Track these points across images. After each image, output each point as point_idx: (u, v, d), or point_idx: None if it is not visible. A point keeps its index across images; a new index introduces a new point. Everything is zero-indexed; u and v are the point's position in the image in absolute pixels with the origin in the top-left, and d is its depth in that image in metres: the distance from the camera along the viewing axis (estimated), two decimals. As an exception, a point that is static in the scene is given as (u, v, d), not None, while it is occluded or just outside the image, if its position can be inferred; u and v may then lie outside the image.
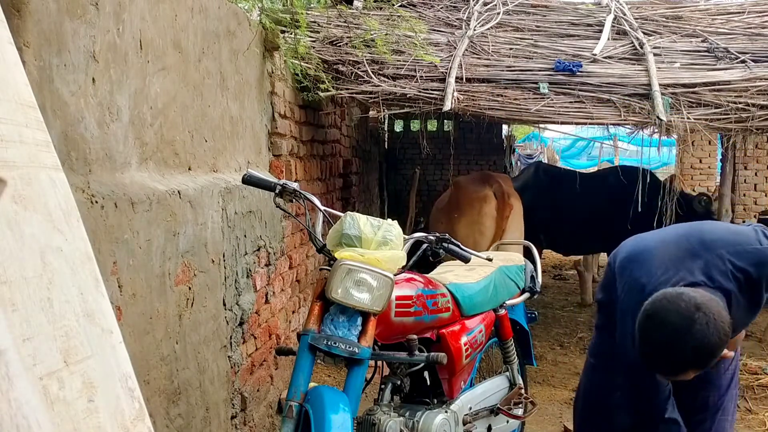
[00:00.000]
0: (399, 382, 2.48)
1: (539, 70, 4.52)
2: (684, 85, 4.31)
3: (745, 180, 8.86)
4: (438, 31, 5.04)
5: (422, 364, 2.46)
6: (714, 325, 1.89)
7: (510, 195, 5.17)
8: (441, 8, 5.53)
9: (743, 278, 2.15)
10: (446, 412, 2.55)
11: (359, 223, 2.23)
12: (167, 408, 2.29)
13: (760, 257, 2.17)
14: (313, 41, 4.38)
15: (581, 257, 7.11)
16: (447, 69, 4.35)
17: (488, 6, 5.51)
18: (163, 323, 2.26)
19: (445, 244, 2.51)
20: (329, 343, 2.13)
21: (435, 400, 2.62)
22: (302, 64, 4.09)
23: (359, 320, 2.19)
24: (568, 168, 9.02)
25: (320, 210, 2.39)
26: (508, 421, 2.97)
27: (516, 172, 11.26)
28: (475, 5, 5.49)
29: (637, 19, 5.27)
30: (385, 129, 9.87)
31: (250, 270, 3.23)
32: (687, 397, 2.35)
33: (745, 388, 4.50)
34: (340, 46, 4.44)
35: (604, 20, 5.18)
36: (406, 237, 2.44)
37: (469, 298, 2.69)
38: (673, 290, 2.02)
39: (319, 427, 1.94)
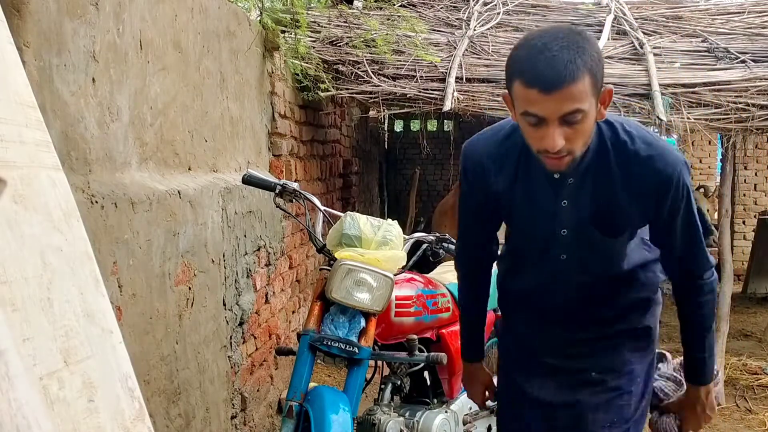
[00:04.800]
0: (399, 382, 2.48)
1: (539, 70, 4.50)
2: (684, 85, 4.31)
3: (745, 180, 8.86)
4: (438, 31, 5.04)
5: (422, 364, 2.46)
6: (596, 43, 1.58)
7: None
8: (441, 8, 5.53)
9: None
10: (446, 412, 2.55)
11: (359, 223, 2.23)
12: (167, 408, 2.29)
13: None
14: (314, 41, 4.38)
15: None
16: (447, 69, 4.35)
17: (488, 6, 5.51)
18: (163, 323, 2.26)
19: (445, 244, 2.51)
20: (329, 343, 2.14)
21: (435, 400, 2.62)
22: (302, 64, 4.09)
23: (359, 320, 2.19)
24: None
25: (320, 210, 2.39)
26: (508, 421, 2.96)
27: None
28: (475, 5, 5.49)
29: (637, 19, 5.27)
30: (385, 129, 9.87)
31: (250, 270, 3.23)
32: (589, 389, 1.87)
33: (745, 388, 4.50)
34: (340, 46, 4.44)
35: (604, 20, 5.18)
36: (406, 237, 2.44)
37: (469, 298, 2.68)
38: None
39: (319, 427, 1.95)
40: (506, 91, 1.62)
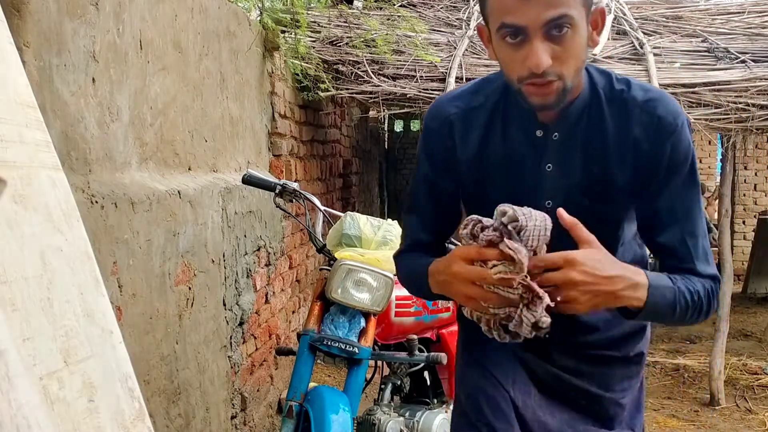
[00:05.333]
0: (399, 382, 2.48)
1: (539, 70, 4.51)
2: (684, 85, 4.31)
3: (745, 180, 8.86)
4: (438, 31, 5.04)
5: (422, 364, 2.46)
6: None
7: None
8: (441, 8, 5.53)
9: None
10: (446, 412, 2.55)
11: (359, 223, 2.23)
12: (167, 408, 2.29)
13: None
14: (314, 41, 4.39)
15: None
16: (447, 69, 4.35)
17: (488, 6, 5.51)
18: (163, 323, 2.26)
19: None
20: (329, 343, 2.14)
21: (435, 400, 2.62)
22: (302, 64, 4.09)
23: (359, 320, 2.19)
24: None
25: (320, 210, 2.39)
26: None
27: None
28: (475, 5, 5.49)
29: (637, 19, 5.27)
30: (385, 129, 9.87)
31: (250, 270, 3.23)
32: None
33: (745, 388, 4.50)
34: (340, 46, 4.44)
35: (604, 20, 5.18)
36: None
37: (469, 298, 2.68)
38: None
39: (319, 427, 1.95)
40: (482, 22, 1.38)
